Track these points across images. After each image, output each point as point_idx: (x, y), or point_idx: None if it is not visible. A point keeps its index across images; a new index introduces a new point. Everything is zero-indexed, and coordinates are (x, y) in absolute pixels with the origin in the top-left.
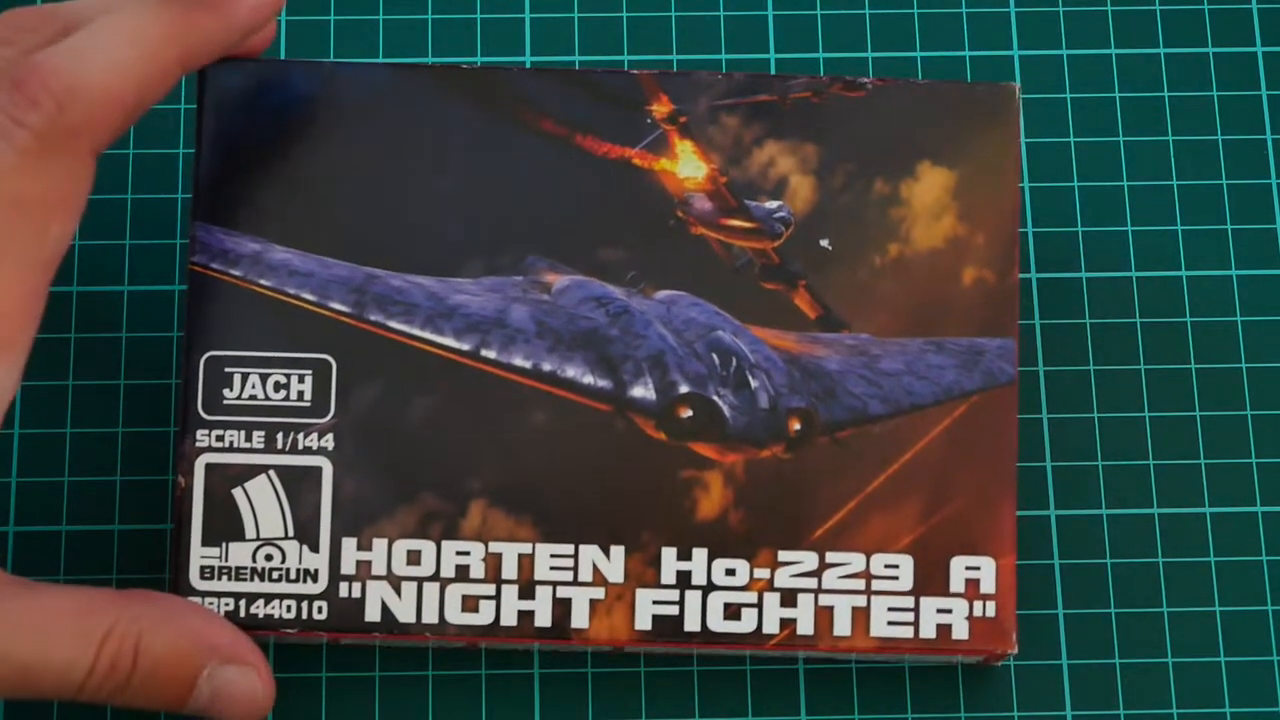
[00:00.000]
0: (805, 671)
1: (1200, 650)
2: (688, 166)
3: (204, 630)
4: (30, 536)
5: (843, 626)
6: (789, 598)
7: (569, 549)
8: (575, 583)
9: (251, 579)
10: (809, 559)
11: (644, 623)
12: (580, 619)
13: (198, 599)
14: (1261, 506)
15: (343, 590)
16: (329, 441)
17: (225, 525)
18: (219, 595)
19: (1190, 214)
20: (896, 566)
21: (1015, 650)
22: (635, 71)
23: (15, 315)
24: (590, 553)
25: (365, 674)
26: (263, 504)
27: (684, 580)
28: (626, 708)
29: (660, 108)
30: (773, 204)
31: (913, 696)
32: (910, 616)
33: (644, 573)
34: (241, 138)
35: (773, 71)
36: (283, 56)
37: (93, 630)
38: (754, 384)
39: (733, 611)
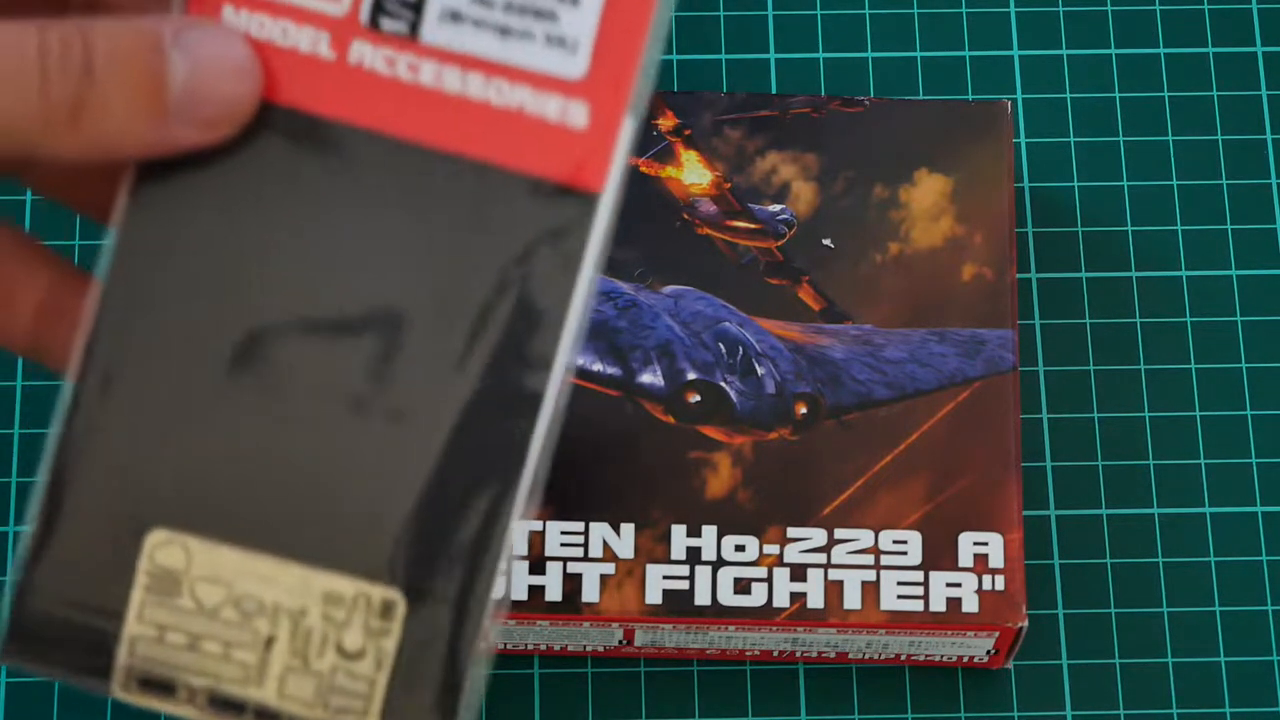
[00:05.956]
0: (805, 671)
1: (1200, 650)
2: (693, 174)
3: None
4: None
5: (853, 600)
6: (799, 572)
7: (579, 526)
8: (586, 558)
9: None
10: (818, 535)
11: (654, 597)
12: (591, 593)
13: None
14: (1261, 506)
15: None
16: None
17: None
18: None
19: (1190, 214)
20: (905, 542)
21: (1025, 623)
22: None
23: None
24: (600, 530)
25: None
26: None
27: (694, 556)
28: (626, 708)
29: (665, 121)
30: (775, 207)
31: (913, 696)
32: (920, 590)
33: (654, 549)
34: None
35: (773, 72)
36: None
37: (26, 28)
38: (760, 371)
39: (743, 586)
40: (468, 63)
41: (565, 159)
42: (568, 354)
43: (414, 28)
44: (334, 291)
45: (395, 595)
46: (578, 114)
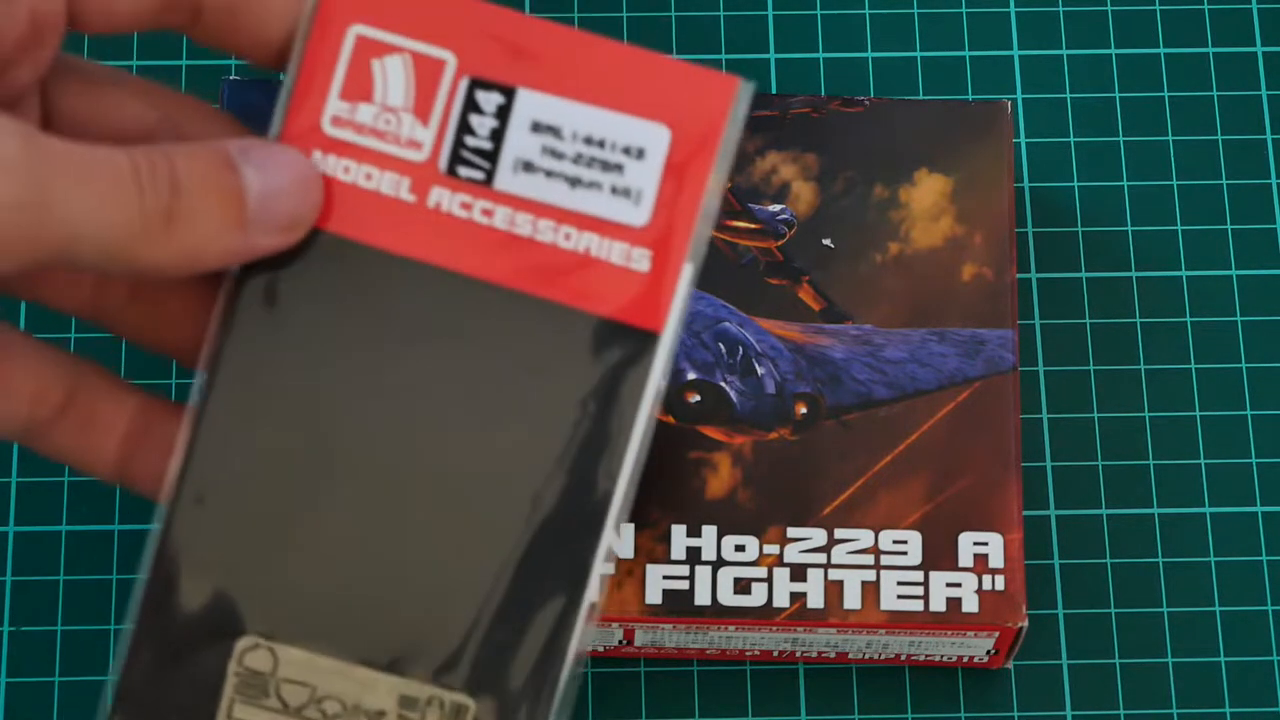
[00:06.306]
0: (805, 671)
1: (1200, 650)
2: None
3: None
4: (30, 536)
5: (853, 600)
6: (799, 572)
7: None
8: None
9: None
10: (818, 535)
11: (654, 597)
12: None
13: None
14: (1261, 506)
15: None
16: None
17: None
18: None
19: (1190, 214)
20: (905, 542)
21: (1025, 623)
22: None
23: None
24: None
25: None
26: None
27: (694, 556)
28: (626, 708)
29: None
30: (775, 207)
31: (913, 696)
32: (920, 590)
33: (654, 549)
34: None
35: (773, 72)
36: None
37: (115, 150)
38: (760, 371)
39: (743, 586)
40: (539, 209)
41: (629, 301)
42: (629, 475)
43: (489, 176)
44: (411, 415)
45: (466, 699)
46: (641, 259)
